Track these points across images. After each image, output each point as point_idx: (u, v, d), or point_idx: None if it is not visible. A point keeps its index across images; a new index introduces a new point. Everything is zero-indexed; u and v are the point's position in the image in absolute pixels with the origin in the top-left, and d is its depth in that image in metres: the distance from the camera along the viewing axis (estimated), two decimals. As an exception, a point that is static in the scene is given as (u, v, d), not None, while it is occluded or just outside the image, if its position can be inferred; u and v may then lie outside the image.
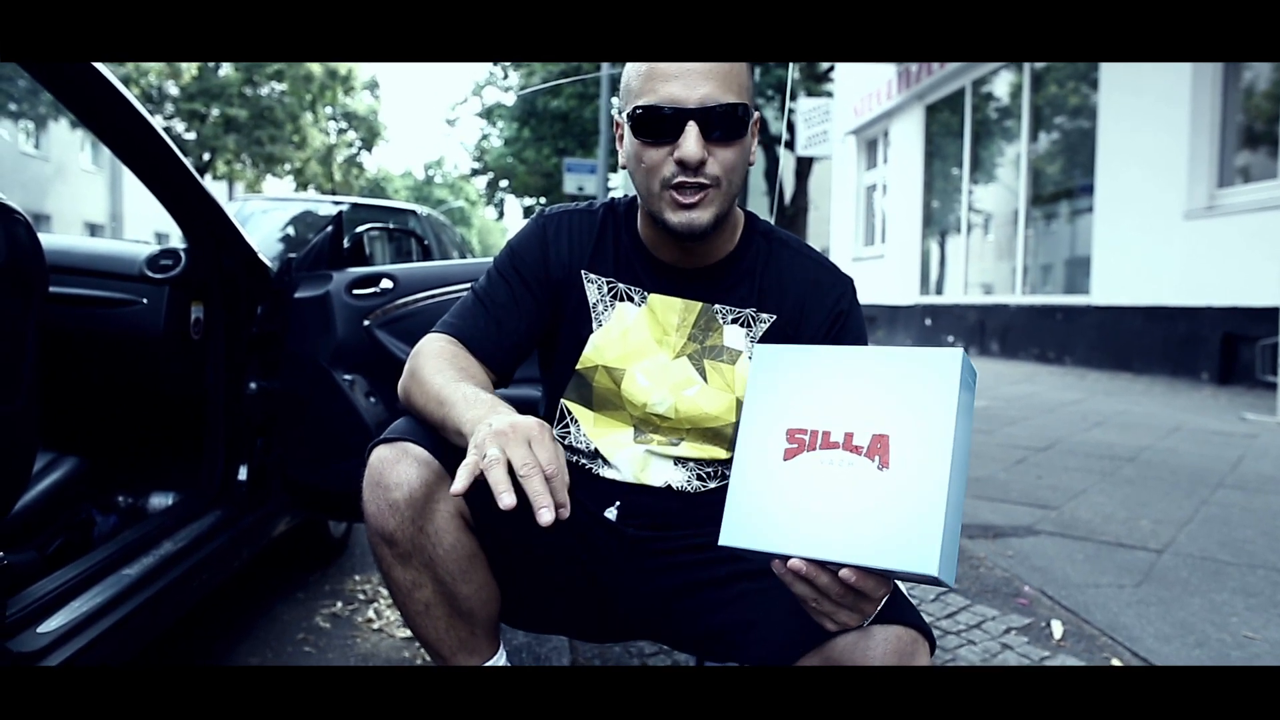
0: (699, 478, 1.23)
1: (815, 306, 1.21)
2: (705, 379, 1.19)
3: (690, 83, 1.06)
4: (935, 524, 0.81)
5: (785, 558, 0.87)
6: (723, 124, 1.07)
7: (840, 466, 0.87)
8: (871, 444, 0.86)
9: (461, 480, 0.89)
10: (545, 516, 0.86)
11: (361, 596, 2.39)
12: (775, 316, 1.21)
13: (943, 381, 0.86)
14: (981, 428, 4.79)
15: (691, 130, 1.06)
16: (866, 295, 12.75)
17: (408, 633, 2.11)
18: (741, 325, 1.21)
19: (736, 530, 0.91)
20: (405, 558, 1.11)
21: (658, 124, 1.07)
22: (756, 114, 1.15)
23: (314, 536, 2.53)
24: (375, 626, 2.18)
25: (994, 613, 2.15)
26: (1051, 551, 2.61)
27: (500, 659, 1.24)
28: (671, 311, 1.21)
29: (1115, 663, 1.88)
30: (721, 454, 1.22)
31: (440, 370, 1.11)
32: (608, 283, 1.23)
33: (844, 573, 0.84)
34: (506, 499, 0.86)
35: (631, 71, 1.11)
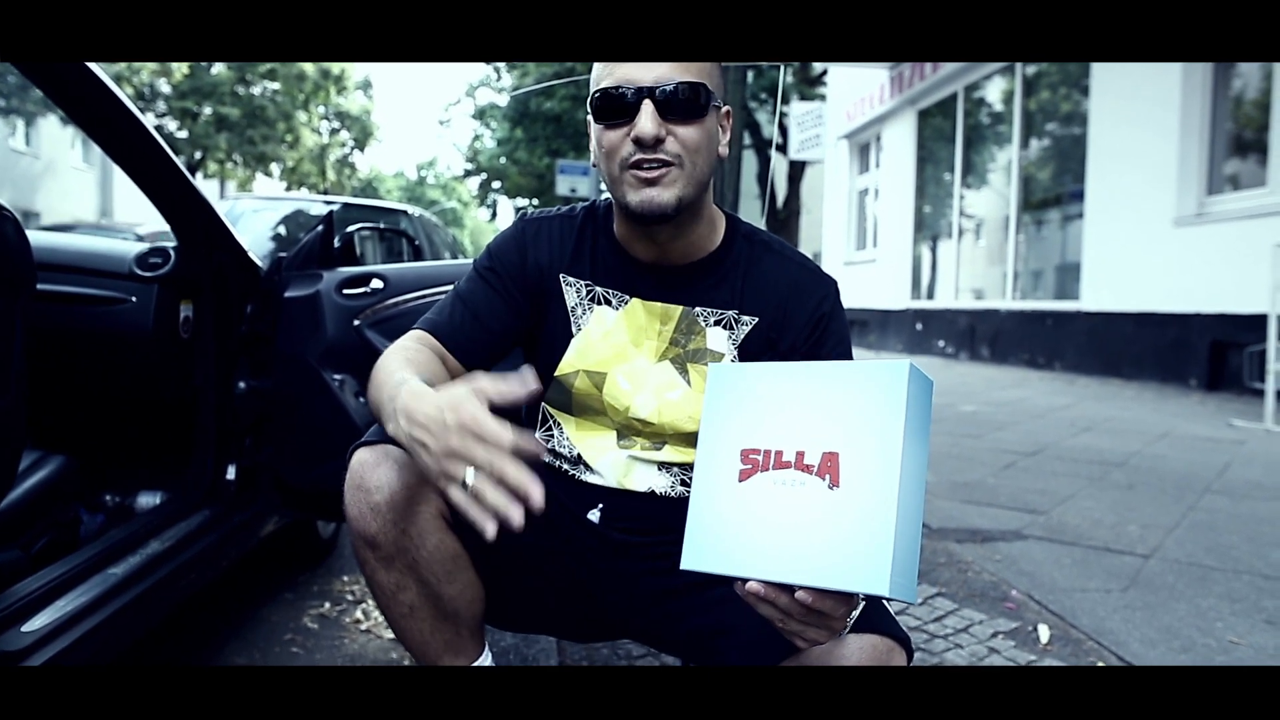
0: (682, 483, 1.22)
1: (797, 309, 1.19)
2: (688, 382, 1.19)
3: (646, 65, 1.06)
4: (885, 543, 0.79)
5: (745, 580, 0.86)
6: (680, 102, 1.07)
7: (793, 486, 0.86)
8: (822, 462, 0.85)
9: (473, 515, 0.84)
10: (517, 518, 0.82)
11: (350, 597, 2.38)
12: (757, 319, 1.19)
13: (890, 396, 0.83)
14: (970, 432, 4.81)
15: (646, 107, 1.06)
16: (858, 299, 12.80)
17: (396, 634, 2.10)
18: (724, 327, 1.20)
19: (697, 553, 0.90)
20: (388, 560, 1.10)
21: (615, 106, 1.07)
22: (726, 106, 1.15)
23: (302, 537, 2.52)
24: (363, 627, 2.18)
25: (981, 617, 2.16)
26: (1039, 556, 2.62)
27: (486, 660, 1.24)
28: (652, 315, 1.20)
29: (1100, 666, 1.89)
30: None
31: (390, 371, 1.06)
32: (585, 285, 1.22)
33: (799, 594, 0.83)
34: (490, 529, 0.82)
35: (595, 68, 1.12)
